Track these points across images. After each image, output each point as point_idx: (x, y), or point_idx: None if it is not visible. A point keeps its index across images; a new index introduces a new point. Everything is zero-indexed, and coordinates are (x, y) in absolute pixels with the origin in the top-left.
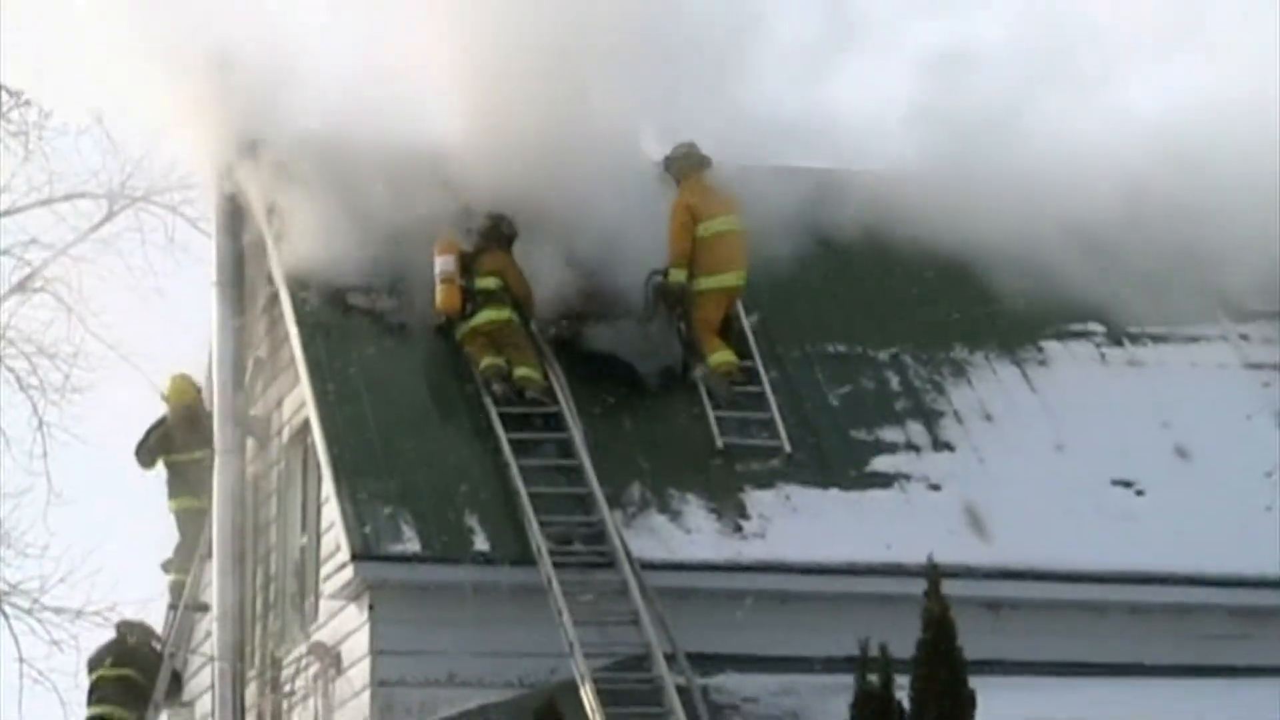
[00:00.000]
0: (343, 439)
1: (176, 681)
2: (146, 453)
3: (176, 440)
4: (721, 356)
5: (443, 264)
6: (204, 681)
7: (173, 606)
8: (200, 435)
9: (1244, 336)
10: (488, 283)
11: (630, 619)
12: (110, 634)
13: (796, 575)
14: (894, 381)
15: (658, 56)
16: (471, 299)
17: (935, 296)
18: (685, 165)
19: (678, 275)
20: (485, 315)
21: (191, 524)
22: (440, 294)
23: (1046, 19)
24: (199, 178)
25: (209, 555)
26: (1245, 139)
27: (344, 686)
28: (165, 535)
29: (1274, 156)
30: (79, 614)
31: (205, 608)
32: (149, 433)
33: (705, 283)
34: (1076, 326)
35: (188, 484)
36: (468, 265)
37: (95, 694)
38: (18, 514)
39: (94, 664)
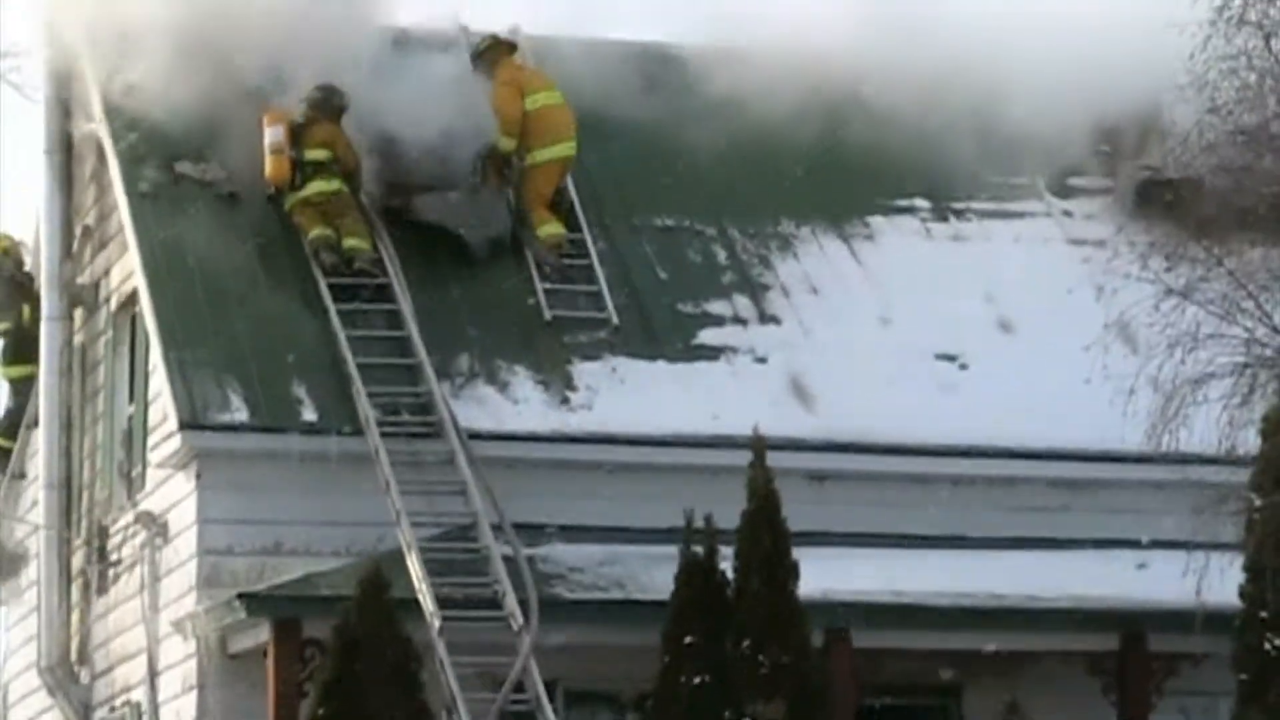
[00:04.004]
0: (171, 308)
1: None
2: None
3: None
4: (550, 229)
5: (272, 135)
6: (30, 550)
7: None
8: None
9: (1067, 213)
10: (317, 154)
11: (458, 489)
12: None
13: (623, 446)
14: (721, 255)
15: None
16: (301, 170)
17: (761, 171)
18: (493, 55)
19: (506, 143)
20: (315, 186)
21: (24, 391)
22: (270, 164)
23: None
24: (29, 44)
25: (36, 424)
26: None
27: (170, 555)
28: None
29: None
30: None
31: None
32: None
33: (539, 155)
34: (902, 201)
35: (19, 351)
36: (297, 136)
37: None
38: None
39: None
